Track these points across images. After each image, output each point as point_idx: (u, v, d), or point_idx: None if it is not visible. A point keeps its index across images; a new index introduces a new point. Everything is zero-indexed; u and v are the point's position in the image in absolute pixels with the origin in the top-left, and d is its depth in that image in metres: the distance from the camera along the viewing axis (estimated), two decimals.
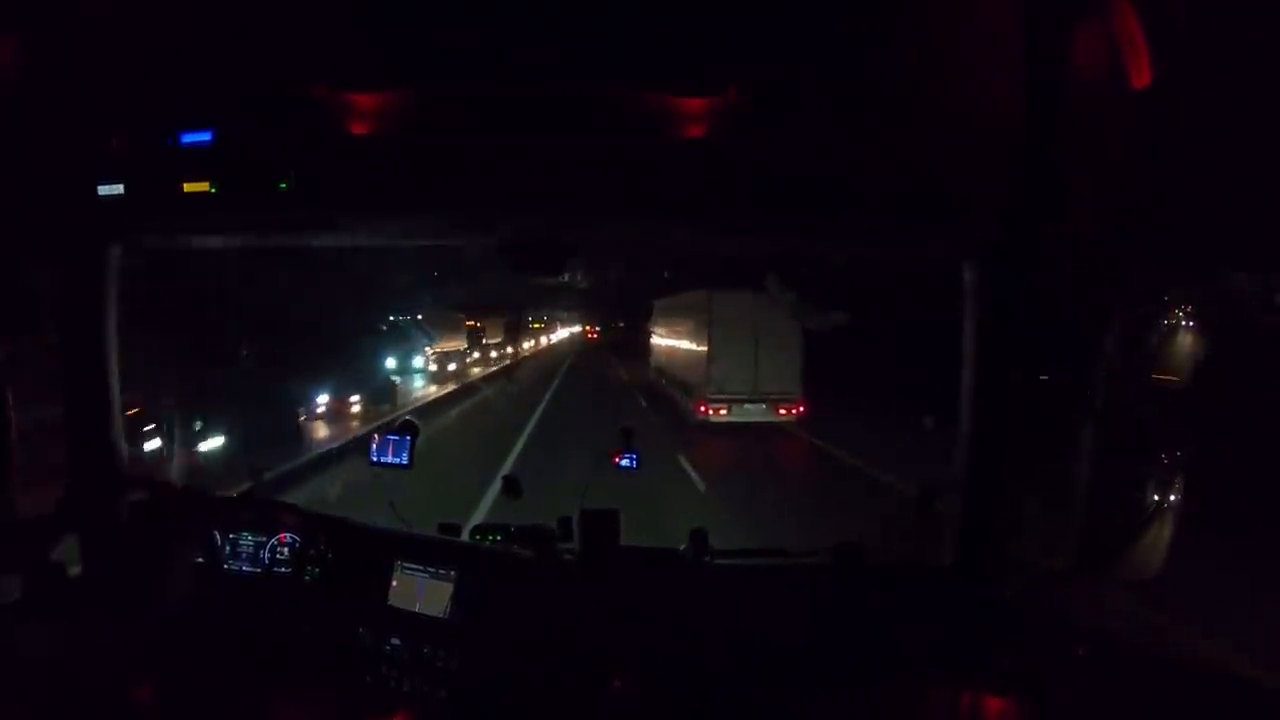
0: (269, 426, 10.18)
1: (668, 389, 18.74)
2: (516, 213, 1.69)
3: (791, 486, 10.01)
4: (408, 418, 2.39)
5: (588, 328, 62.62)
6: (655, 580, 2.00)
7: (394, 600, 2.04)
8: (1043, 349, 1.71)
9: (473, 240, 2.15)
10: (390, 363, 21.88)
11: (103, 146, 1.59)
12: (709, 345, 13.82)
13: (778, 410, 13.70)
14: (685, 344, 16.61)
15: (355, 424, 13.80)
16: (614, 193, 1.57)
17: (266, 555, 2.16)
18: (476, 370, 27.28)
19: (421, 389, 21.52)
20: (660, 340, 21.63)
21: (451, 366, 24.79)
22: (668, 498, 7.98)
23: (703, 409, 13.74)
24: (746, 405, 13.71)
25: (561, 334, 66.68)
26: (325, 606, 2.07)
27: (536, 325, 52.69)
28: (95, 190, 1.60)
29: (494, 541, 2.19)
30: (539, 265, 1.90)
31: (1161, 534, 1.36)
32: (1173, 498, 1.33)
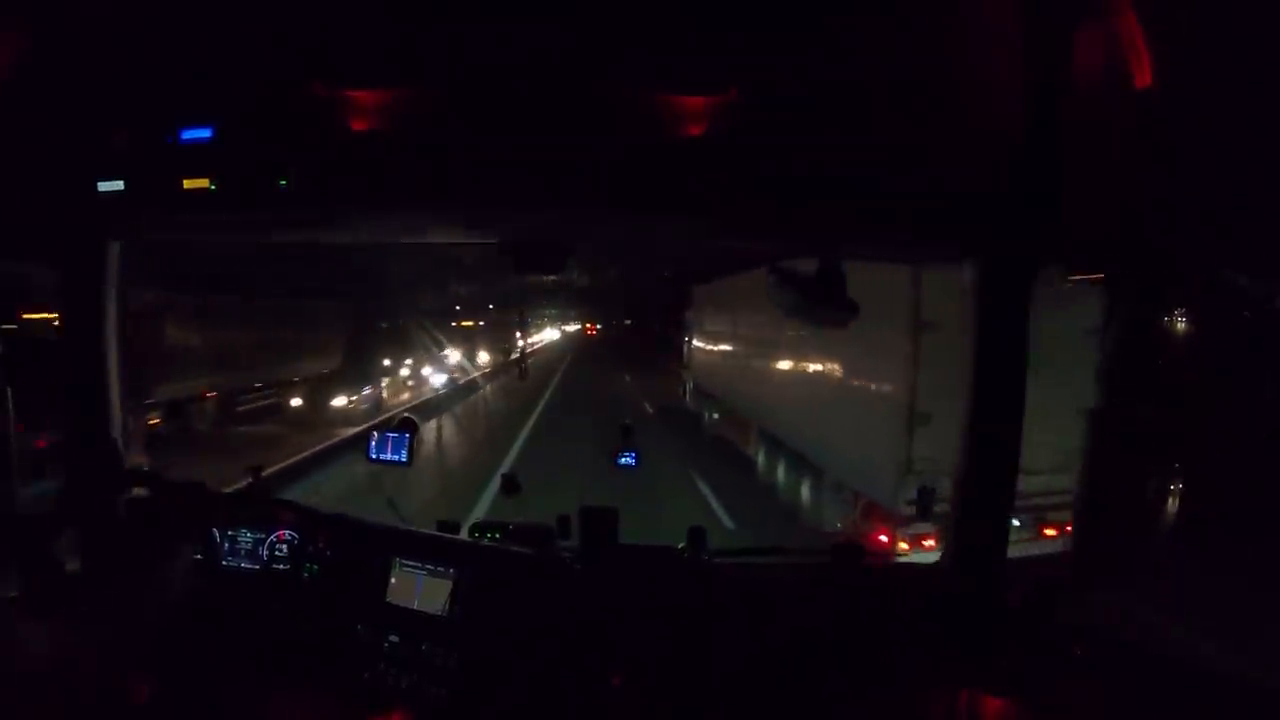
0: None
1: (729, 433, 11.90)
2: (516, 211, 1.69)
3: None
4: (406, 415, 2.40)
5: (588, 325, 62.63)
6: (654, 578, 2.00)
7: (392, 598, 2.05)
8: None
9: (472, 238, 2.15)
10: None
11: (103, 143, 1.59)
12: (913, 384, 5.78)
13: (1043, 530, 5.56)
14: (814, 366, 7.98)
15: None
16: (614, 191, 1.57)
17: (265, 552, 2.16)
18: None
19: None
20: (719, 351, 13.27)
21: None
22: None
23: (885, 538, 6.02)
24: None
25: (549, 335, 55.89)
26: (324, 603, 2.08)
27: (468, 324, 33.10)
28: (95, 187, 1.59)
29: (493, 539, 2.20)
30: (539, 264, 1.90)
31: (1161, 534, 1.36)
32: (1172, 497, 1.33)
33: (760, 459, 9.73)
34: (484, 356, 31.26)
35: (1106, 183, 1.44)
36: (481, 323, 35.90)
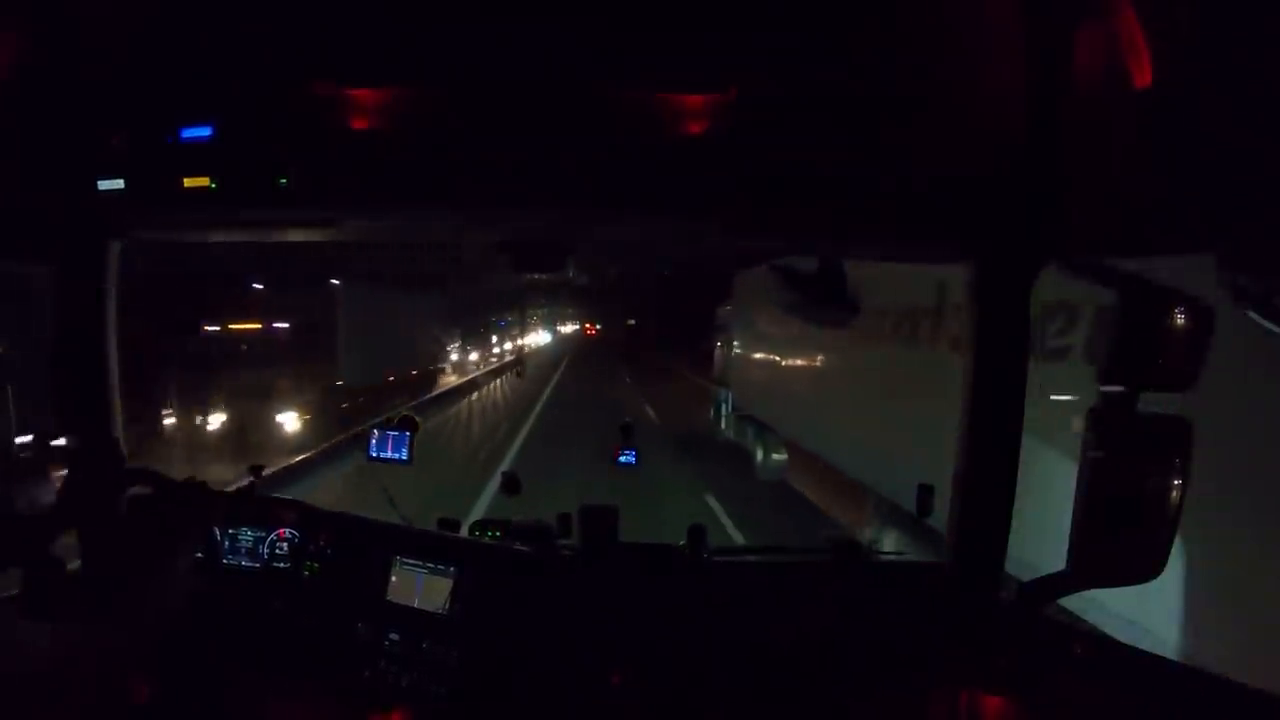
0: None
1: (808, 489, 8.75)
2: (516, 210, 1.69)
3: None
4: (406, 413, 2.40)
5: (587, 325, 62.48)
6: (654, 577, 2.00)
7: (393, 596, 2.05)
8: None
9: (472, 238, 2.15)
10: None
11: (103, 143, 1.59)
12: None
13: None
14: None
15: None
16: (614, 191, 1.57)
17: (265, 550, 2.16)
18: None
19: None
20: (791, 366, 8.97)
21: None
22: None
23: None
24: None
25: (536, 339, 45.17)
26: (324, 602, 2.08)
27: (249, 327, 16.21)
28: (95, 186, 1.59)
29: (493, 537, 2.20)
30: (539, 264, 1.90)
31: (1161, 534, 1.36)
32: (1173, 496, 1.33)
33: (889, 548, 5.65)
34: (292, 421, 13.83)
35: (1106, 182, 1.44)
36: (281, 324, 16.90)
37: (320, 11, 1.46)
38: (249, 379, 13.42)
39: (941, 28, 1.42)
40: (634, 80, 1.51)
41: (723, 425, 12.54)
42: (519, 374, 23.61)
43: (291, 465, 8.30)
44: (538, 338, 45.82)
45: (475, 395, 16.38)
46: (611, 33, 1.46)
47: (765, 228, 1.74)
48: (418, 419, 2.36)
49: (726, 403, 12.28)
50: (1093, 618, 3.18)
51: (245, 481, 2.44)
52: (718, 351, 13.06)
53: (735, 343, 11.90)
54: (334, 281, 16.41)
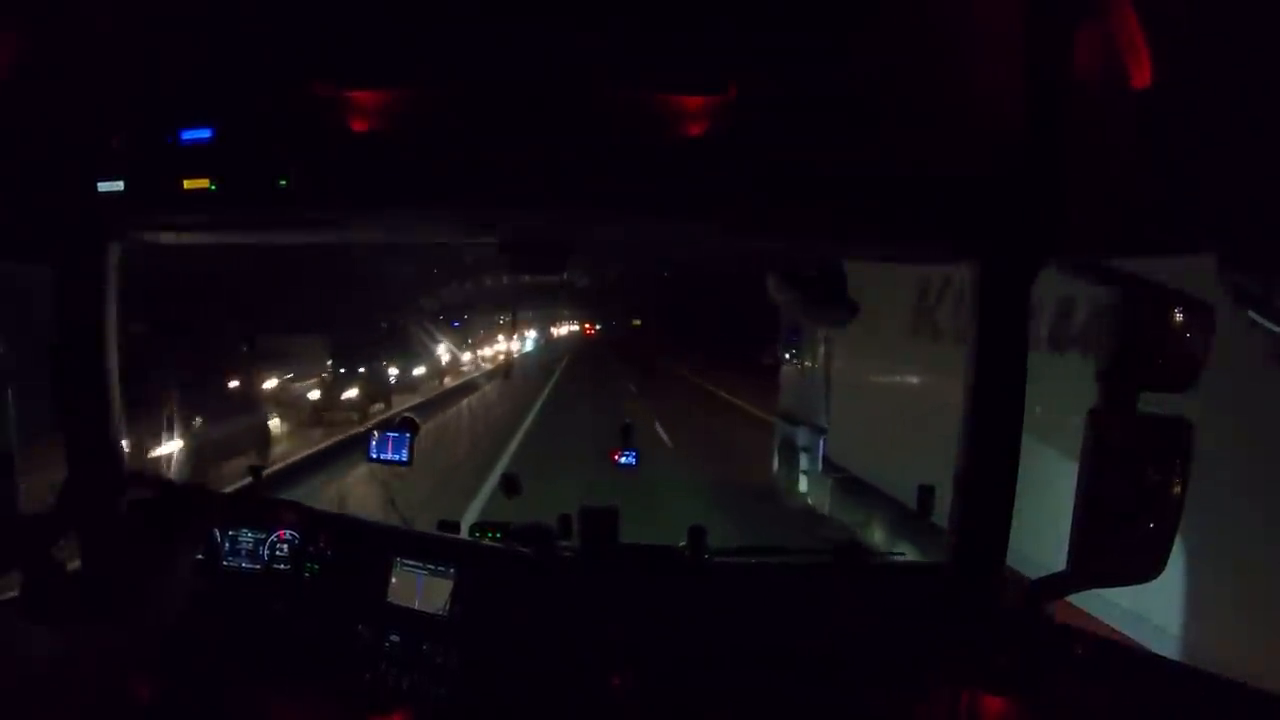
0: None
1: None
2: (517, 211, 1.69)
3: None
4: (407, 414, 2.41)
5: (586, 325, 62.42)
6: (654, 578, 2.00)
7: (393, 598, 2.05)
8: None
9: (472, 239, 2.15)
10: None
11: (103, 143, 1.59)
12: None
13: None
14: None
15: None
16: (614, 191, 1.57)
17: (266, 552, 2.16)
18: None
19: None
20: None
21: None
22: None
23: None
24: None
25: (502, 347, 32.23)
26: (324, 604, 2.08)
27: None
28: (95, 187, 1.59)
29: (493, 539, 2.20)
30: (539, 265, 1.90)
31: (1162, 534, 1.36)
32: (1174, 496, 1.33)
33: None
34: None
35: (1106, 182, 1.44)
36: None
37: (320, 12, 1.46)
38: None
39: (942, 28, 1.42)
40: (634, 81, 1.51)
41: (801, 486, 8.32)
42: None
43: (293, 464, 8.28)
44: (497, 348, 32.78)
45: None
46: (611, 33, 1.46)
47: (765, 228, 1.74)
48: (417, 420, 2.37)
49: (812, 453, 8.14)
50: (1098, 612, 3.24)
51: (245, 482, 2.44)
52: (787, 369, 9.03)
53: (839, 360, 7.76)
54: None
